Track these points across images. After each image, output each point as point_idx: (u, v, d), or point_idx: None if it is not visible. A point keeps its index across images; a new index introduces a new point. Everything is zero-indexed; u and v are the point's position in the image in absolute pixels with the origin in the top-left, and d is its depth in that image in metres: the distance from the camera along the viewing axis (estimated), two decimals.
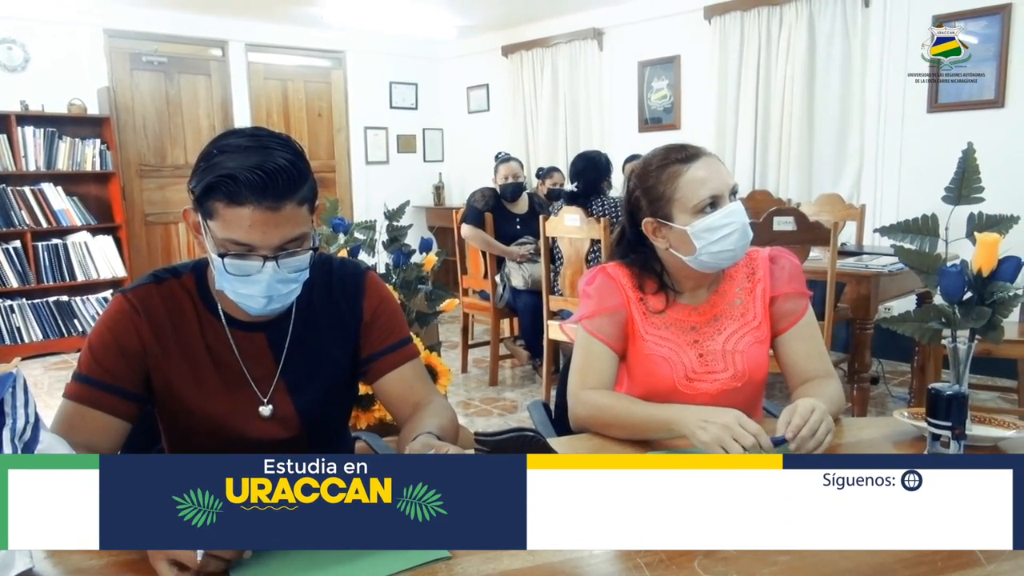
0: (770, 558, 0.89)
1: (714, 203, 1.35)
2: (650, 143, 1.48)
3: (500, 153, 4.57)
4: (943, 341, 1.24)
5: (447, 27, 6.41)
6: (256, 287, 1.13)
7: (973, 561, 0.89)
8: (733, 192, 1.38)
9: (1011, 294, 1.20)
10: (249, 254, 1.11)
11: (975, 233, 1.23)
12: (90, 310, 5.24)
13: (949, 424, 1.14)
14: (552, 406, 1.71)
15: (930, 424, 1.15)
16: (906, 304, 3.89)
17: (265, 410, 1.26)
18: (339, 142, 6.89)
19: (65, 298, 5.21)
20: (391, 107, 7.08)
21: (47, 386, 4.35)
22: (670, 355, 1.43)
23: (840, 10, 4.63)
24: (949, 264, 1.25)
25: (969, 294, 1.23)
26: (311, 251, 1.16)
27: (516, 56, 6.63)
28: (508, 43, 6.65)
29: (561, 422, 1.58)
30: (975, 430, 1.23)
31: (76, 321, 5.20)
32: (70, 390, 1.19)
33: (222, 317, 1.25)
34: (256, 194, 1.06)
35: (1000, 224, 1.24)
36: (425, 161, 7.37)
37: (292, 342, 1.28)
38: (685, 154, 1.38)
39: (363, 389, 2.51)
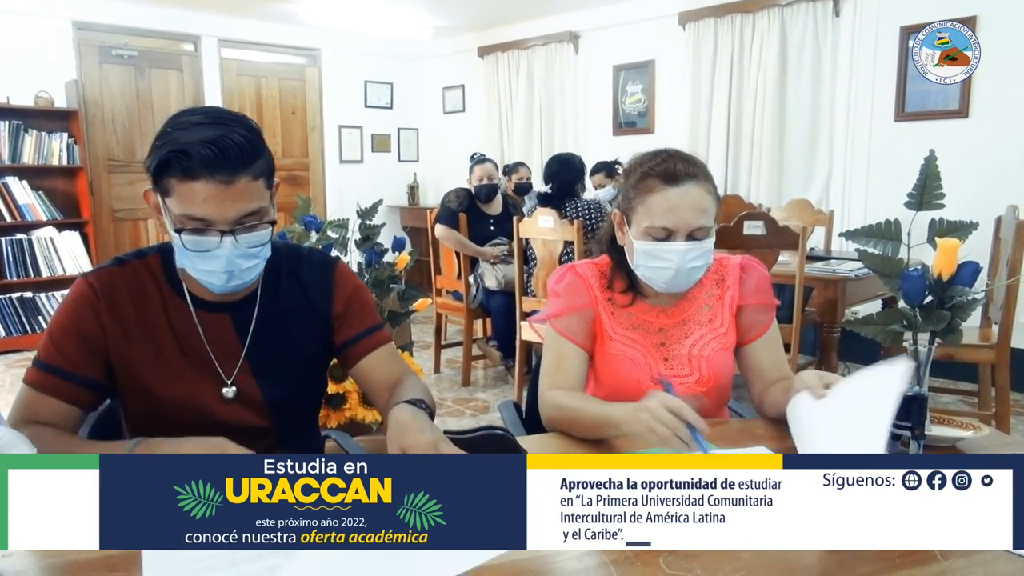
0: (733, 554, 0.90)
1: (667, 235, 1.35)
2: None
3: (475, 154, 4.57)
4: (904, 344, 1.27)
5: (423, 27, 6.39)
6: (215, 263, 1.13)
7: (930, 558, 0.91)
8: (695, 235, 1.34)
9: (969, 298, 1.23)
10: (206, 229, 1.11)
11: (936, 238, 1.25)
12: (55, 306, 5.12)
13: (909, 424, 1.17)
14: (523, 406, 1.72)
15: (892, 424, 1.18)
16: (872, 308, 3.96)
17: (228, 392, 1.26)
18: (313, 140, 6.84)
19: (29, 294, 5.11)
20: (366, 106, 7.05)
21: (9, 384, 4.26)
22: (637, 357, 1.44)
23: (811, 19, 4.71)
24: (911, 268, 1.28)
25: (929, 298, 1.26)
26: (269, 226, 1.16)
27: (492, 57, 6.64)
28: (484, 44, 6.65)
29: (532, 421, 1.59)
30: (934, 431, 1.26)
31: (40, 318, 5.10)
32: (29, 376, 1.19)
33: (187, 298, 1.25)
34: (209, 168, 1.07)
35: (960, 230, 1.26)
36: (400, 161, 7.34)
37: (258, 324, 1.28)
38: (672, 173, 1.34)
39: (333, 388, 2.49)
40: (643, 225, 1.36)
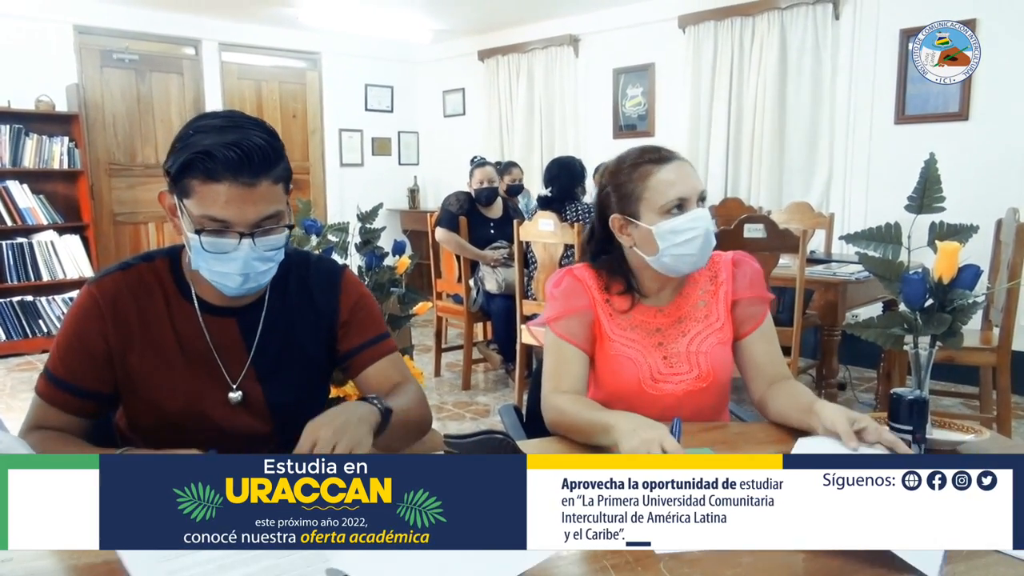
0: (733, 559, 0.90)
1: (681, 206, 1.38)
2: (625, 149, 1.50)
3: (476, 158, 4.57)
4: (905, 347, 1.27)
5: (423, 30, 6.40)
6: (232, 264, 1.14)
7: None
8: (701, 198, 1.41)
9: (970, 301, 1.23)
10: (225, 231, 1.12)
11: (936, 241, 1.25)
12: (56, 310, 5.13)
13: (910, 428, 1.17)
14: (524, 409, 1.72)
15: (892, 428, 1.18)
16: (873, 311, 3.96)
17: (235, 396, 1.26)
18: (313, 144, 6.85)
19: (30, 298, 5.11)
20: (366, 109, 7.06)
21: (9, 388, 4.26)
22: (636, 356, 1.44)
23: (811, 22, 4.71)
24: (911, 272, 1.27)
25: (930, 301, 1.25)
26: (286, 229, 1.18)
27: (492, 61, 6.65)
28: (484, 48, 6.66)
29: (532, 425, 1.59)
30: (935, 434, 1.25)
31: (41, 322, 5.10)
32: (39, 386, 1.24)
33: (195, 301, 1.25)
34: (232, 170, 1.08)
35: (960, 233, 1.26)
36: (400, 164, 7.35)
37: (264, 329, 1.28)
38: (658, 155, 1.42)
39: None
40: (656, 206, 1.38)
